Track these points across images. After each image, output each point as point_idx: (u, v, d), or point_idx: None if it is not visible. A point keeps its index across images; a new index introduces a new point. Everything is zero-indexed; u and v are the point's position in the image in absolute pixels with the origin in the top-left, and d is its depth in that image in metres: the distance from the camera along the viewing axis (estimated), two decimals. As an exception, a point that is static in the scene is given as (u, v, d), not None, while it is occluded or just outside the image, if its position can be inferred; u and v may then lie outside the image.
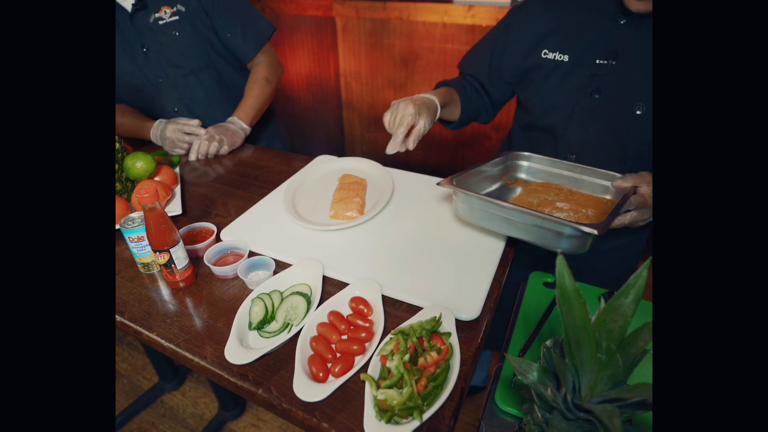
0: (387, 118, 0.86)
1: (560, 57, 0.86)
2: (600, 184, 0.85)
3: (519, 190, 0.91)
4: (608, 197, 0.84)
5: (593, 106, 0.84)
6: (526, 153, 0.93)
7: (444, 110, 0.95)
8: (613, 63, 0.80)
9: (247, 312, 0.66)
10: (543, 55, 0.88)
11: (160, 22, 1.15)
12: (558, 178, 0.90)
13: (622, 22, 0.78)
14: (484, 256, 0.77)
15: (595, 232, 0.61)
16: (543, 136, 0.95)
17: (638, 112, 0.79)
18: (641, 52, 0.77)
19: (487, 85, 1.03)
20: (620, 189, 0.78)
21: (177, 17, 1.16)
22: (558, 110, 0.89)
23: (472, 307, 0.66)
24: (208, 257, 0.76)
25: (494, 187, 0.92)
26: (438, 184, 0.77)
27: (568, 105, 0.87)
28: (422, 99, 0.89)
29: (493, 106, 1.08)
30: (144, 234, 0.73)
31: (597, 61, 0.81)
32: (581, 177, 0.87)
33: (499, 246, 0.80)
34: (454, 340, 0.59)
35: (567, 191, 0.87)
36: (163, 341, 0.66)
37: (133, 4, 1.11)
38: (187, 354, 0.63)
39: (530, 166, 0.94)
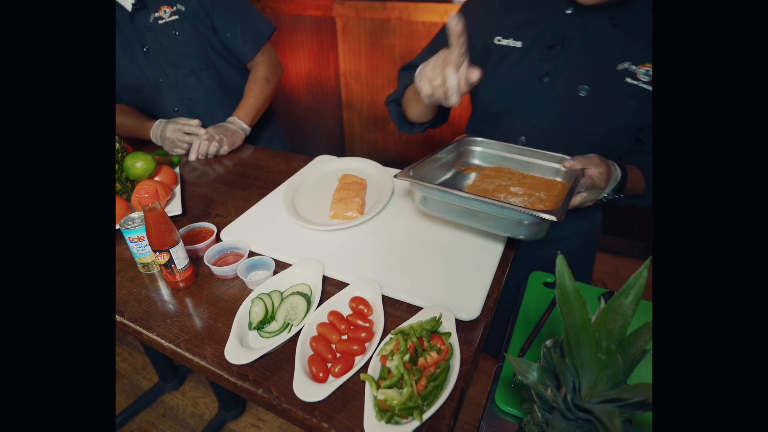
0: (427, 74, 0.76)
1: (514, 43, 0.90)
2: (550, 166, 0.89)
3: (473, 176, 0.92)
4: (559, 179, 0.89)
5: (543, 90, 0.88)
6: (478, 138, 0.96)
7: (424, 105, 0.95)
8: (561, 48, 0.85)
9: (247, 312, 0.66)
10: (497, 42, 0.91)
11: (160, 22, 1.15)
12: (510, 162, 0.93)
13: (568, 12, 0.84)
14: (484, 256, 0.77)
15: (554, 218, 0.63)
16: (495, 122, 0.99)
17: (582, 94, 0.84)
18: (585, 38, 0.83)
19: None
20: (572, 170, 0.81)
21: (177, 17, 1.16)
22: (510, 95, 0.93)
23: (472, 307, 0.66)
24: (208, 257, 0.76)
25: (449, 174, 0.94)
26: (395, 176, 0.78)
27: (520, 89, 0.91)
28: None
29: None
30: (144, 234, 0.73)
31: (547, 47, 0.87)
32: (531, 160, 0.90)
33: (499, 246, 0.80)
34: (454, 340, 0.59)
35: (519, 175, 0.91)
36: (163, 341, 0.66)
37: (133, 4, 1.11)
38: (187, 354, 0.63)
39: (483, 151, 0.96)
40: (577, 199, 0.79)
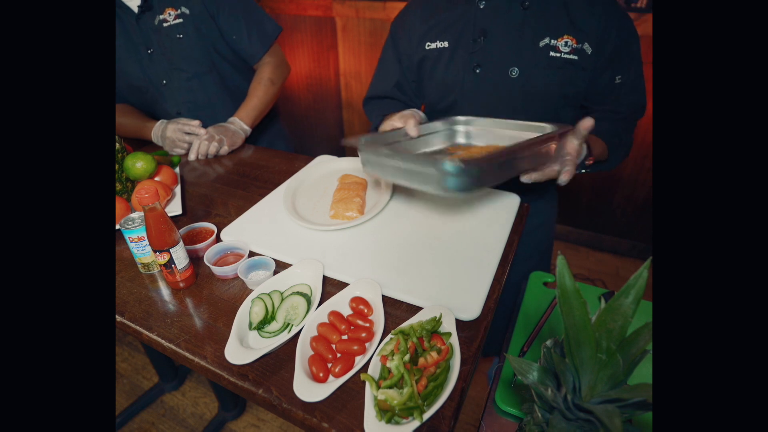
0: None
1: (441, 44, 0.97)
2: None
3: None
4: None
5: (478, 81, 0.95)
6: (465, 117, 0.98)
7: None
8: (484, 39, 0.91)
9: (247, 312, 0.66)
10: (427, 47, 0.99)
11: (165, 25, 1.15)
12: (502, 140, 0.94)
13: (482, 6, 0.91)
14: (484, 256, 0.77)
15: (459, 164, 0.63)
16: (444, 114, 1.04)
17: (513, 75, 0.91)
18: (502, 26, 0.90)
19: (402, 96, 1.12)
20: (587, 129, 0.79)
21: (181, 20, 1.16)
22: (451, 91, 0.99)
23: (472, 307, 0.66)
24: (208, 257, 0.76)
25: (434, 149, 0.96)
26: (343, 142, 0.84)
27: (457, 83, 0.97)
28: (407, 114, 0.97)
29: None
30: (144, 234, 0.73)
31: (472, 41, 0.93)
32: (524, 134, 0.89)
33: (499, 246, 0.80)
34: (454, 340, 0.59)
35: None
36: (163, 341, 0.66)
37: (138, 6, 1.11)
38: (187, 354, 0.63)
39: (472, 130, 0.98)
40: (565, 176, 0.80)
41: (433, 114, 1.07)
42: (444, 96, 1.01)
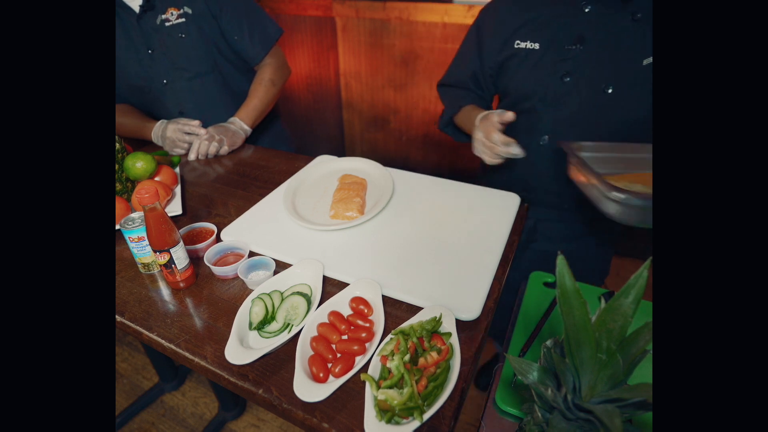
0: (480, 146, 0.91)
1: (531, 45, 0.91)
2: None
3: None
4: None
5: (565, 89, 0.89)
6: (578, 143, 0.89)
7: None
8: (581, 47, 0.86)
9: (247, 312, 0.66)
10: (516, 46, 0.94)
11: (167, 24, 1.15)
12: (639, 166, 0.83)
13: (587, 10, 0.85)
14: (484, 256, 0.77)
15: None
16: (520, 119, 1.00)
17: (609, 91, 0.85)
18: (606, 35, 0.84)
19: (476, 89, 1.08)
20: None
21: (183, 19, 1.16)
22: (532, 94, 0.95)
23: (472, 307, 0.66)
24: (208, 257, 0.76)
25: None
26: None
27: (541, 88, 0.92)
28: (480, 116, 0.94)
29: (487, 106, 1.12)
30: (144, 234, 0.73)
31: (566, 47, 0.87)
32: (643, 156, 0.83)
33: (499, 246, 0.80)
34: (454, 340, 0.59)
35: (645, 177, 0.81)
36: (163, 341, 0.66)
37: (140, 5, 1.11)
38: (187, 354, 0.63)
39: (591, 156, 0.86)
40: None
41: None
42: (523, 99, 0.96)
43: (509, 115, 0.83)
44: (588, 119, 0.90)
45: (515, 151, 0.82)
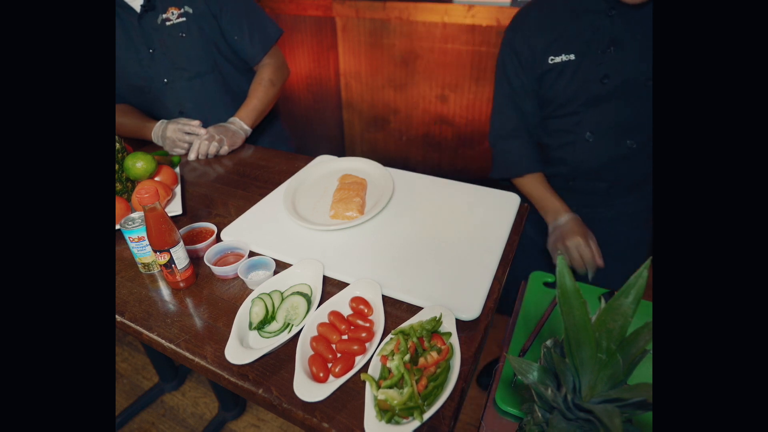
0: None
1: (566, 57, 0.95)
2: None
3: None
4: None
5: (605, 90, 0.94)
6: None
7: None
8: (614, 50, 0.90)
9: (247, 312, 0.66)
10: (550, 61, 0.97)
11: (167, 24, 1.15)
12: None
13: (612, 14, 0.89)
14: (484, 256, 0.77)
15: None
16: (562, 123, 1.04)
17: (649, 84, 0.90)
18: (636, 34, 0.88)
19: (533, 116, 1.09)
20: None
21: (184, 19, 1.16)
22: (574, 100, 0.98)
23: (472, 307, 0.66)
24: (208, 257, 0.76)
25: None
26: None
27: (583, 94, 0.96)
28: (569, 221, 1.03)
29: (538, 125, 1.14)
30: (144, 234, 0.73)
31: (600, 52, 0.91)
32: None
33: (499, 246, 0.80)
34: (454, 340, 0.59)
35: None
36: (163, 341, 0.66)
37: (141, 5, 1.11)
38: (187, 354, 0.63)
39: None
40: None
41: (552, 118, 1.05)
42: (565, 105, 1.00)
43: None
44: (629, 111, 0.94)
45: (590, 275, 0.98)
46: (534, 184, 1.09)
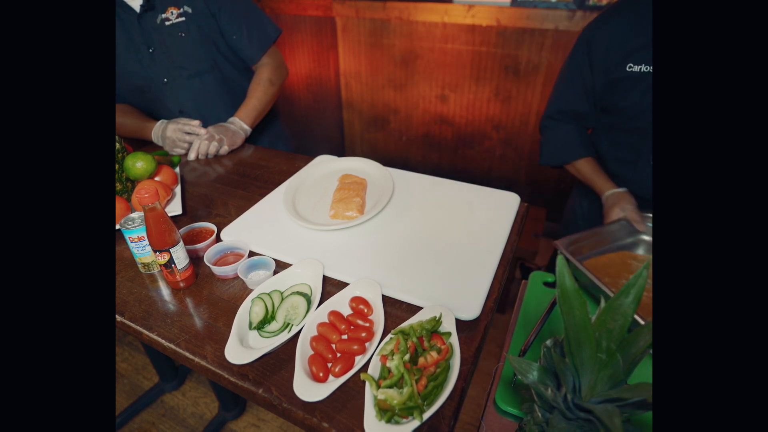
0: None
1: (646, 68, 0.91)
2: None
3: None
4: None
5: None
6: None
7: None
8: None
9: (247, 312, 0.66)
10: (628, 69, 0.93)
11: (167, 23, 1.15)
12: None
13: None
14: (484, 256, 0.77)
15: None
16: (626, 137, 1.02)
17: None
18: None
19: (589, 112, 1.07)
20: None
21: (183, 18, 1.16)
22: (638, 117, 0.96)
23: (472, 307, 0.66)
24: (208, 257, 0.76)
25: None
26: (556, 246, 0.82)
27: (651, 111, 0.93)
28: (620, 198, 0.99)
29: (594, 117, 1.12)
30: (144, 234, 0.73)
31: None
32: None
33: (499, 246, 0.80)
34: (454, 339, 0.59)
35: None
36: (163, 341, 0.66)
37: (141, 5, 1.11)
38: (187, 354, 0.63)
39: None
40: None
41: (617, 131, 1.03)
42: (636, 117, 0.97)
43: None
44: None
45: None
46: (585, 167, 1.07)
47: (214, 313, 0.70)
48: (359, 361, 0.59)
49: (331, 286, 0.74)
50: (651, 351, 0.37)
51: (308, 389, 0.55)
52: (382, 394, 0.52)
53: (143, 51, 1.17)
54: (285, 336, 0.63)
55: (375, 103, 2.56)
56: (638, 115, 0.96)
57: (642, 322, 0.66)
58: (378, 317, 0.65)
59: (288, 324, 0.65)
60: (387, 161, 1.08)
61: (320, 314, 0.65)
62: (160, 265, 0.71)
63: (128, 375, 1.81)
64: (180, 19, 1.16)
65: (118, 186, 0.96)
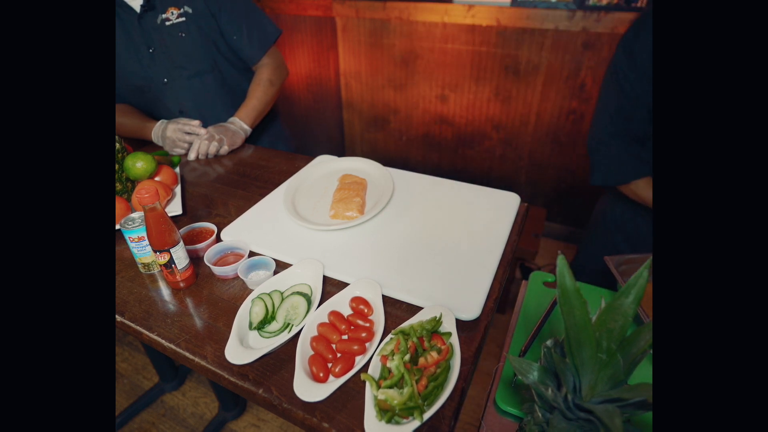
0: None
1: None
2: None
3: None
4: None
5: None
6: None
7: None
8: None
9: (247, 312, 0.66)
10: None
11: (167, 23, 1.15)
12: None
13: None
14: (484, 256, 0.77)
15: None
16: None
17: None
18: None
19: (640, 128, 1.00)
20: None
21: (183, 18, 1.16)
22: None
23: (472, 307, 0.66)
24: (208, 257, 0.76)
25: None
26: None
27: None
28: None
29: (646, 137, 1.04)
30: (144, 234, 0.73)
31: None
32: None
33: (499, 246, 0.80)
34: (454, 340, 0.59)
35: None
36: (163, 341, 0.66)
37: (141, 5, 1.11)
38: (187, 354, 0.63)
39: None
40: None
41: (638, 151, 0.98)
42: None
43: None
44: None
45: None
46: (645, 187, 1.01)
47: (214, 313, 0.70)
48: (359, 361, 0.59)
49: (331, 286, 0.74)
50: (651, 351, 0.37)
51: (308, 389, 0.55)
52: (382, 395, 0.52)
53: (143, 51, 1.17)
54: (285, 336, 0.63)
55: (375, 103, 2.56)
56: None
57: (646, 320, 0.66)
58: (378, 317, 0.65)
59: (288, 324, 0.65)
60: (387, 161, 1.08)
61: (320, 314, 0.65)
62: (160, 265, 0.71)
63: (128, 375, 1.81)
64: (180, 19, 1.16)
65: (118, 186, 0.96)
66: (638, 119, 0.97)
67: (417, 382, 0.54)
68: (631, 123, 0.98)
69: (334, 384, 0.56)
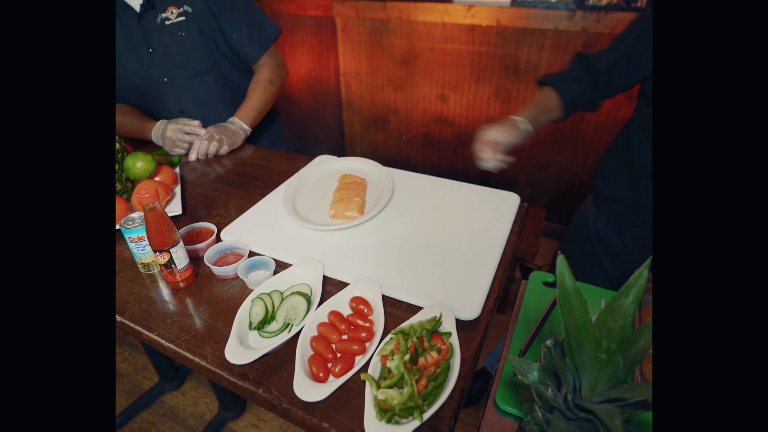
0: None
1: None
2: None
3: None
4: None
5: None
6: None
7: (538, 122, 1.00)
8: None
9: (247, 312, 0.66)
10: None
11: (167, 23, 1.15)
12: None
13: None
14: (484, 256, 0.77)
15: None
16: None
17: None
18: None
19: (612, 74, 0.98)
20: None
21: (183, 18, 1.16)
22: None
23: (472, 307, 0.66)
24: (208, 257, 0.76)
25: None
26: None
27: None
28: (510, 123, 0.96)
29: (608, 94, 1.02)
30: (144, 234, 0.73)
31: None
32: None
33: (499, 246, 0.80)
34: (454, 339, 0.59)
35: None
36: (163, 341, 0.66)
37: (141, 5, 1.11)
38: (187, 354, 0.63)
39: None
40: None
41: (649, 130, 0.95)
42: None
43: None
44: None
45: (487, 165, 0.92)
46: (542, 95, 1.01)
47: (214, 313, 0.70)
48: (359, 361, 0.59)
49: (331, 286, 0.74)
50: (651, 351, 0.37)
51: (308, 389, 0.55)
52: (382, 394, 0.52)
53: (143, 51, 1.17)
54: (285, 336, 0.63)
55: (375, 103, 2.56)
56: None
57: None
58: (378, 317, 0.65)
59: (288, 324, 0.65)
60: (387, 161, 1.08)
61: (320, 314, 0.65)
62: (160, 265, 0.71)
63: (128, 375, 1.81)
64: (180, 19, 1.16)
65: (118, 186, 0.96)
66: (618, 71, 0.96)
67: (417, 382, 0.54)
68: (598, 64, 0.98)
69: (334, 384, 0.56)
